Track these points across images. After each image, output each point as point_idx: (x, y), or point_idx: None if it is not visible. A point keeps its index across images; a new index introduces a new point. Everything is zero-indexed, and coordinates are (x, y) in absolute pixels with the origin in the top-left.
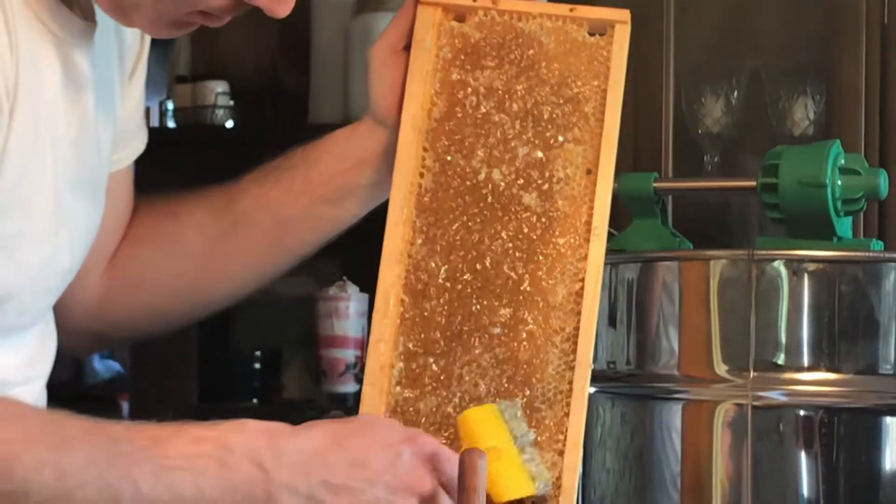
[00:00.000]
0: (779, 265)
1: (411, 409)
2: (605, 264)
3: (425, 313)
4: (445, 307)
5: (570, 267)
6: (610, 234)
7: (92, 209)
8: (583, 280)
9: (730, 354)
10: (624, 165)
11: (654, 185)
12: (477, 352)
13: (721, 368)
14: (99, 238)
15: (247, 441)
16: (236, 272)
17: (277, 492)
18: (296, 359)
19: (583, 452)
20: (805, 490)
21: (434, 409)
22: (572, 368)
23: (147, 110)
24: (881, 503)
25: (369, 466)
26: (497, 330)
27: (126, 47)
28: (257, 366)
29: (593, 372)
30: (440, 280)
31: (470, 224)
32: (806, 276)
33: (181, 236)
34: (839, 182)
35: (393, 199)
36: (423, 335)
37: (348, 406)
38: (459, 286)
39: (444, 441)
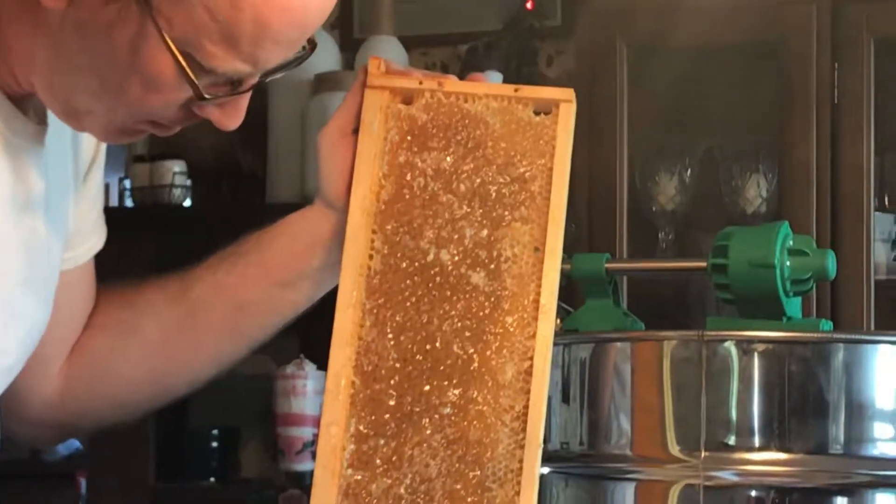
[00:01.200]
0: (729, 345)
1: (363, 491)
2: (559, 344)
3: (376, 395)
4: (396, 388)
5: (518, 345)
6: (565, 312)
7: (39, 308)
8: (531, 358)
9: (682, 435)
10: (579, 245)
11: (607, 265)
12: (427, 432)
13: (674, 449)
14: (57, 331)
15: None
16: (195, 359)
17: None
18: (253, 437)
19: None
20: None
21: (385, 491)
22: (522, 447)
23: (106, 187)
24: None
25: None
26: (447, 410)
27: (81, 149)
28: (215, 444)
29: (546, 452)
30: (390, 361)
31: (419, 305)
32: (756, 356)
33: (138, 325)
34: (788, 263)
35: (342, 282)
36: (373, 417)
37: (305, 484)
38: (409, 367)
39: None
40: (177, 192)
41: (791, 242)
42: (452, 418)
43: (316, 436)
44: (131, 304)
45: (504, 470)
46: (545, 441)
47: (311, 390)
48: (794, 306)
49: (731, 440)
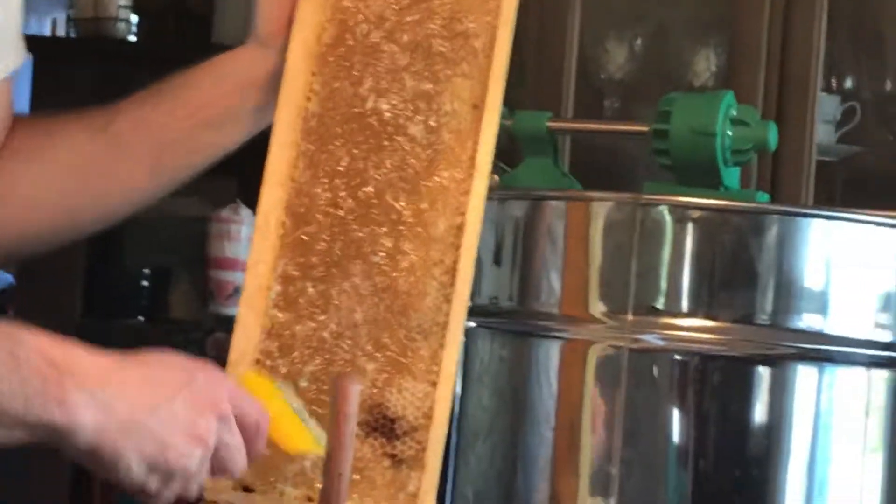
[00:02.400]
0: (664, 210)
1: (287, 332)
2: (493, 200)
3: (306, 237)
4: (326, 233)
5: (452, 200)
6: (502, 170)
7: None
8: (464, 214)
9: (611, 296)
10: (523, 105)
11: (548, 124)
12: (356, 279)
13: (599, 309)
14: None
15: (40, 342)
16: (109, 193)
17: (70, 395)
18: (184, 279)
19: (460, 388)
20: (675, 435)
21: (310, 334)
22: (450, 301)
23: (54, 21)
24: (750, 451)
25: (166, 384)
26: (377, 259)
27: None
28: (145, 283)
29: (475, 307)
30: (323, 205)
31: (355, 151)
32: (690, 223)
33: (53, 151)
34: (729, 132)
35: (278, 122)
36: (302, 259)
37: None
38: (341, 212)
39: (317, 365)
40: (121, 25)
41: (734, 112)
42: (382, 267)
43: None
44: (48, 132)
45: (430, 322)
46: (472, 295)
47: (245, 235)
48: (732, 177)
49: (660, 304)
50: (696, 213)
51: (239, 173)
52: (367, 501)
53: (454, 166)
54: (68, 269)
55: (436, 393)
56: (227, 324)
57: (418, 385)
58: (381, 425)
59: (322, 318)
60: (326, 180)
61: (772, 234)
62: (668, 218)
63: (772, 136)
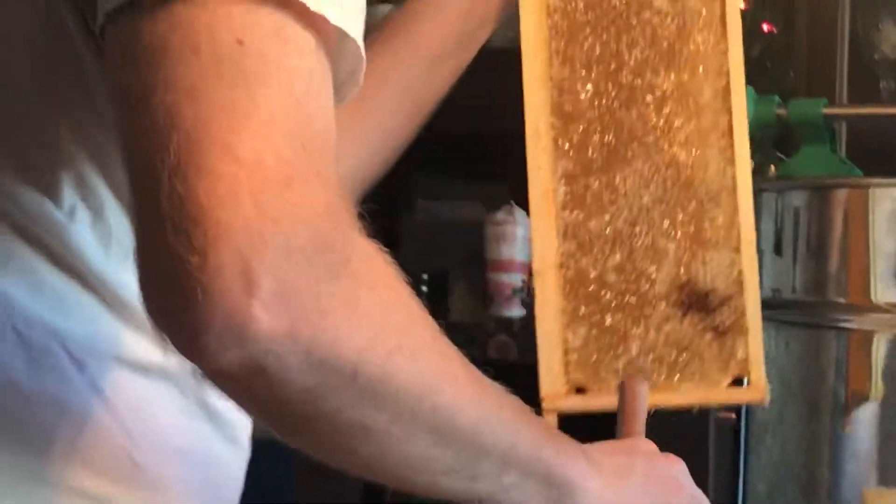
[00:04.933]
0: None
1: (581, 229)
2: (771, 191)
3: (578, 133)
4: (597, 124)
5: (712, 64)
6: (779, 159)
7: None
8: (727, 74)
9: (893, 284)
10: (797, 91)
11: (825, 111)
12: (637, 163)
13: (886, 298)
14: None
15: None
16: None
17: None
18: (462, 282)
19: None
20: None
21: (604, 227)
22: (733, 164)
23: None
24: None
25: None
26: (650, 138)
27: None
28: (424, 288)
29: None
30: (587, 97)
31: (604, 36)
32: None
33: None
34: None
35: (524, 22)
36: (579, 154)
37: (514, 330)
38: (605, 101)
39: (619, 256)
40: None
41: None
42: (659, 144)
43: (524, 282)
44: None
45: (718, 188)
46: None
47: (520, 237)
48: None
49: None
50: None
51: (511, 176)
52: (700, 378)
53: (706, 28)
54: None
55: (741, 258)
56: (508, 325)
57: (722, 254)
58: (696, 301)
59: (612, 208)
60: (584, 71)
61: None
62: None
63: None
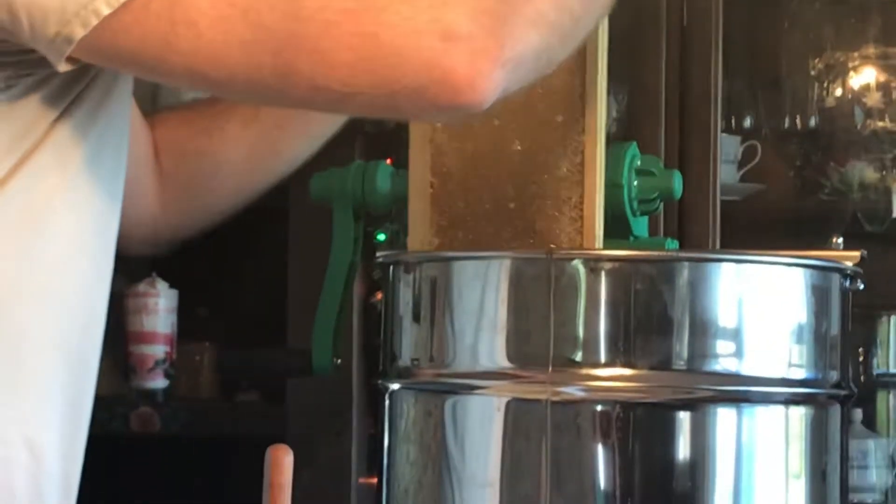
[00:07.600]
0: (577, 264)
1: None
2: (403, 263)
3: None
4: None
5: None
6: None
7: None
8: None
9: (529, 352)
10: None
11: None
12: None
13: (521, 365)
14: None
15: None
16: (276, 165)
17: None
18: (104, 355)
19: (387, 446)
20: (602, 482)
21: None
22: None
23: None
24: (674, 492)
25: None
26: None
27: None
28: None
29: (398, 369)
30: None
31: None
32: (603, 274)
33: (222, 152)
34: (635, 183)
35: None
36: None
37: (158, 401)
38: None
39: None
40: None
41: (639, 162)
42: None
43: (167, 353)
44: (207, 133)
45: None
46: (394, 358)
47: (162, 308)
48: (640, 226)
49: (578, 356)
50: (608, 265)
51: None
52: None
53: None
54: None
55: None
56: (151, 398)
57: None
58: None
59: None
60: None
61: (683, 280)
62: (581, 271)
63: (676, 184)
